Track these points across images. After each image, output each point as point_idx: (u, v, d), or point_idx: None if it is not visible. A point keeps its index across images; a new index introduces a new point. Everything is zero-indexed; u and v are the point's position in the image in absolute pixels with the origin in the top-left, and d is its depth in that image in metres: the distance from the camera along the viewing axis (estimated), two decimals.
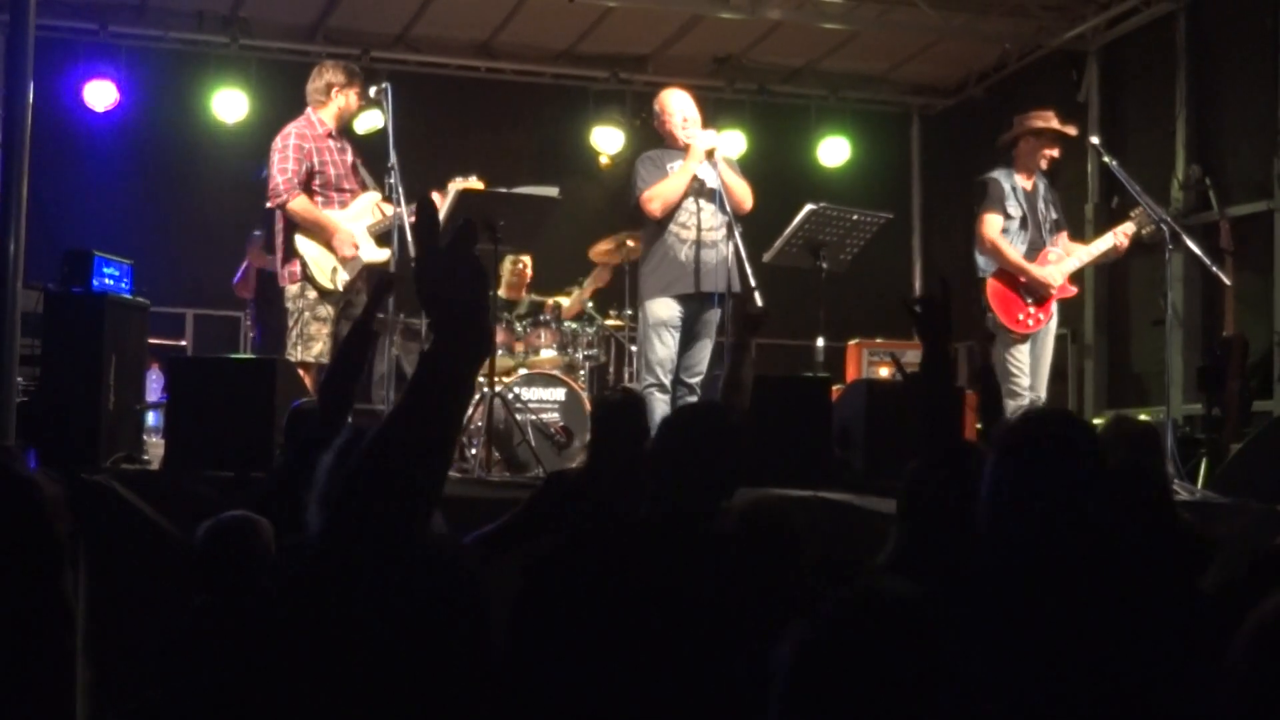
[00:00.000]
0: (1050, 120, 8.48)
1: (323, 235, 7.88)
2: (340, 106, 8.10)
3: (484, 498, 5.87)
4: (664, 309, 7.86)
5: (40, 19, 6.38)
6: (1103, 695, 2.66)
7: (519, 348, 9.09)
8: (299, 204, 7.84)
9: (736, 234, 7.72)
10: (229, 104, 11.39)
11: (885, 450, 6.71)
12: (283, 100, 11.22)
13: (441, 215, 7.54)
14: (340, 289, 7.91)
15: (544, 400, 8.66)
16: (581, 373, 9.18)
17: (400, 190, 7.65)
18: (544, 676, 3.20)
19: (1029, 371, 8.25)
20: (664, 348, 7.83)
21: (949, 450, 3.44)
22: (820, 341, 8.20)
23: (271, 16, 11.63)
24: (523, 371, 8.87)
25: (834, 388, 7.69)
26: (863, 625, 1.75)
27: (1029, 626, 2.83)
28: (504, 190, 7.93)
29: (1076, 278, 8.46)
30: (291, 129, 7.96)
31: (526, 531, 4.74)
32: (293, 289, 7.90)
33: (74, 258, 6.78)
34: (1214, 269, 8.43)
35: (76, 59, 11.20)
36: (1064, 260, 8.33)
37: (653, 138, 8.39)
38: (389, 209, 7.86)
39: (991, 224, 8.25)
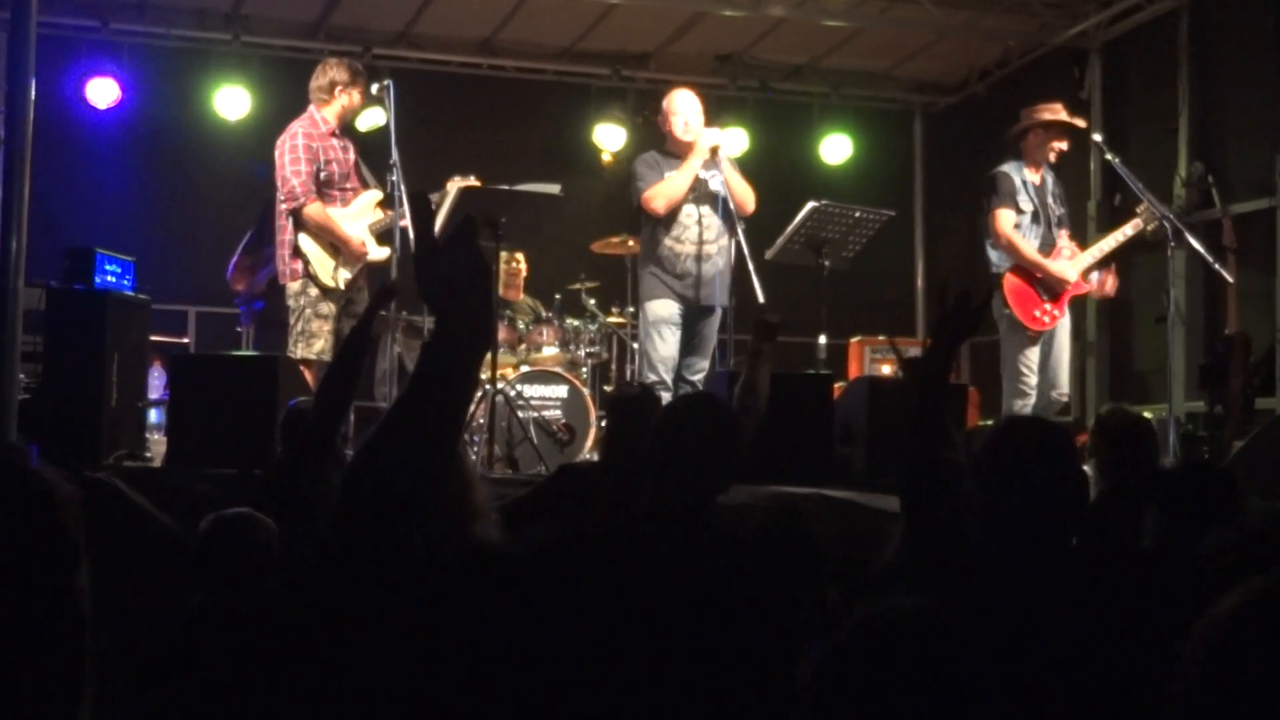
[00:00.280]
0: (1059, 113, 8.45)
1: (331, 240, 7.89)
2: (344, 105, 8.10)
3: None
4: (664, 308, 7.88)
5: (42, 16, 6.39)
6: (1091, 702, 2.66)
7: (520, 345, 9.10)
8: (315, 210, 7.85)
9: (740, 234, 7.73)
10: (231, 101, 11.39)
11: (887, 447, 6.71)
12: (284, 97, 11.21)
13: (442, 213, 7.58)
14: (342, 287, 7.92)
15: (546, 398, 8.66)
16: (583, 370, 9.19)
17: (402, 188, 7.66)
18: (544, 673, 3.19)
19: (1038, 370, 8.23)
20: (665, 345, 7.85)
21: (935, 451, 3.43)
22: (822, 339, 8.21)
23: (273, 13, 11.62)
24: (525, 368, 8.87)
25: (836, 385, 7.69)
26: (880, 644, 1.75)
27: (1018, 636, 2.83)
28: (506, 188, 7.93)
29: (1087, 274, 8.42)
30: (298, 129, 7.96)
31: (527, 517, 4.72)
32: (294, 286, 7.91)
33: (76, 255, 6.78)
34: (1216, 266, 8.42)
35: (78, 56, 11.20)
36: (1077, 256, 8.30)
37: (655, 135, 8.40)
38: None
39: (1005, 219, 8.19)
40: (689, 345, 7.99)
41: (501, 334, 8.83)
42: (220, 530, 4.33)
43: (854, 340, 11.34)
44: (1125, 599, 2.91)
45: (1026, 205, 8.24)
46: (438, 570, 2.60)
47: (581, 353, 9.20)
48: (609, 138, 12.20)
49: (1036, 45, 12.07)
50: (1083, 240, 9.01)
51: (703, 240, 7.90)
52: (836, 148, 12.88)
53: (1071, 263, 8.26)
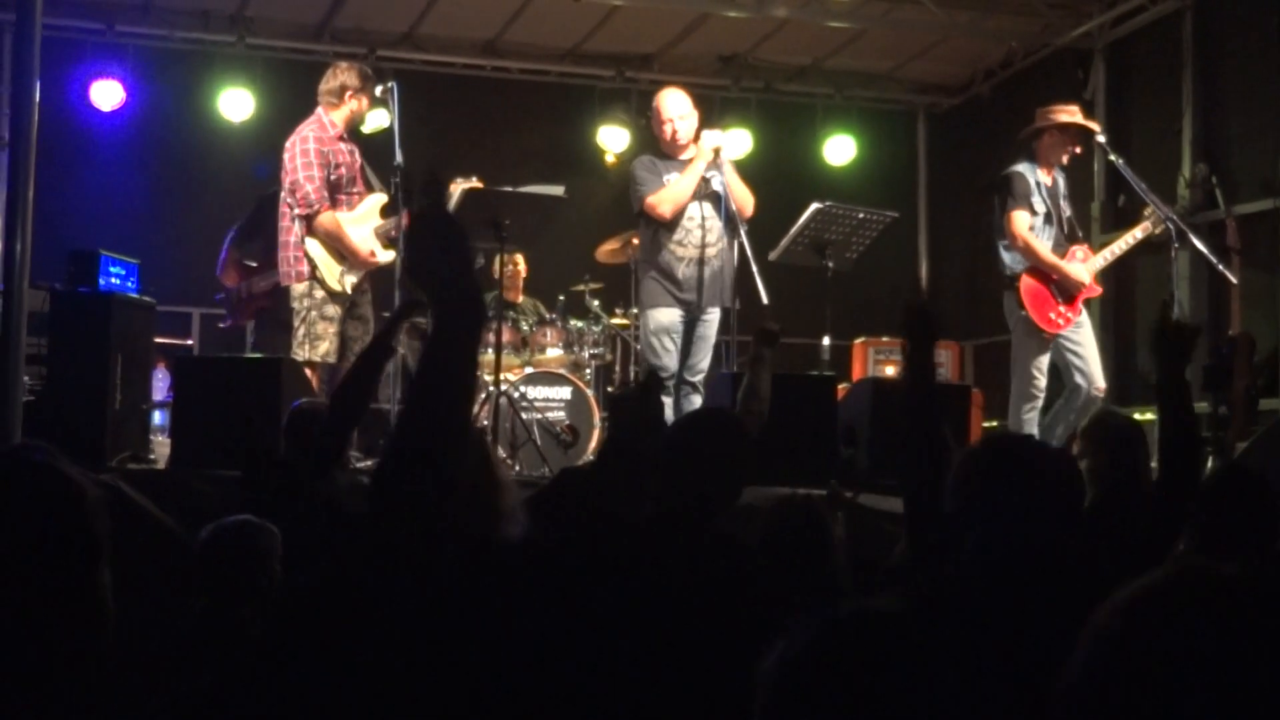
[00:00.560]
0: (1075, 114, 8.41)
1: (339, 249, 7.90)
2: (352, 110, 8.10)
3: None
4: (666, 315, 7.89)
5: (46, 18, 6.39)
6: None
7: (524, 346, 9.10)
8: (327, 219, 7.86)
9: (743, 235, 7.73)
10: (235, 103, 11.40)
11: (891, 448, 6.71)
12: (289, 99, 11.24)
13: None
14: (349, 291, 7.93)
15: (549, 399, 8.67)
16: (587, 371, 9.19)
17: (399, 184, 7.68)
18: (552, 676, 3.19)
19: (1047, 373, 8.21)
20: (666, 354, 7.86)
21: (933, 452, 3.45)
22: (826, 340, 8.21)
23: (277, 15, 11.63)
24: (528, 370, 8.87)
25: (840, 386, 7.69)
26: (845, 642, 1.75)
27: (992, 644, 2.83)
28: (510, 189, 7.94)
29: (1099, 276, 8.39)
30: (308, 133, 7.95)
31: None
32: (300, 288, 7.89)
33: (80, 257, 6.80)
34: (1220, 267, 8.40)
35: (83, 58, 11.21)
36: (1090, 258, 8.28)
37: (654, 137, 8.38)
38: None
39: (1020, 221, 8.12)
40: (689, 348, 7.99)
41: (505, 335, 8.83)
42: (221, 539, 4.33)
43: (858, 341, 11.36)
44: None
45: (1040, 207, 8.19)
46: (460, 570, 2.62)
47: (585, 354, 9.20)
48: (613, 139, 12.20)
49: (1040, 46, 12.07)
50: (1086, 241, 8.99)
51: (705, 243, 7.91)
52: (840, 149, 12.88)
53: (1085, 265, 8.22)
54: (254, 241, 9.25)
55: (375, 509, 2.60)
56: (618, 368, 9.69)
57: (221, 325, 9.45)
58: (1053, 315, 8.16)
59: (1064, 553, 2.98)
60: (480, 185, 7.95)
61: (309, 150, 7.89)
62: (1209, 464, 8.70)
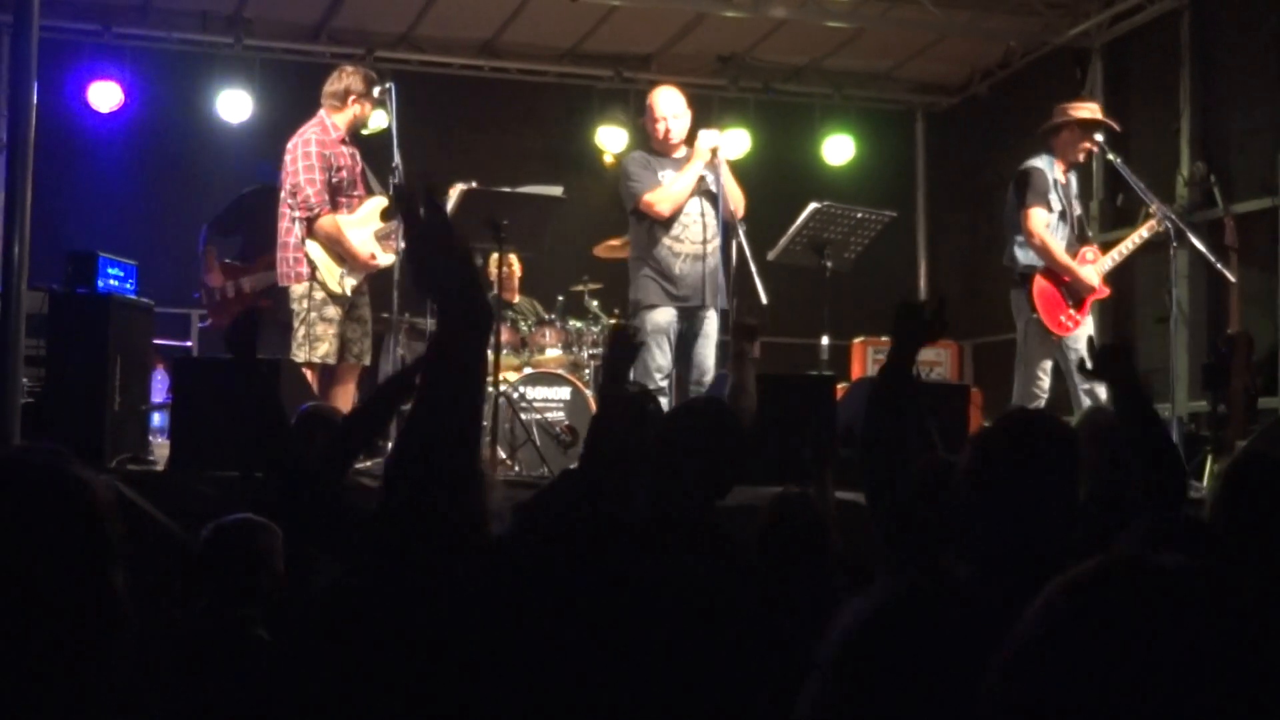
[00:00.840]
0: (1096, 111, 8.38)
1: (339, 252, 7.91)
2: (355, 115, 8.10)
3: None
4: (662, 315, 7.89)
5: (44, 20, 6.39)
6: None
7: (523, 347, 9.10)
8: (328, 222, 7.88)
9: (741, 235, 7.73)
10: (233, 104, 11.39)
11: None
12: (287, 100, 11.23)
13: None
14: (349, 293, 7.94)
15: (549, 399, 8.67)
16: (586, 371, 9.19)
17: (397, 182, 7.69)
18: (547, 675, 3.20)
19: (1050, 374, 8.19)
20: (661, 355, 7.86)
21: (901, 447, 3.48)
22: (825, 340, 8.21)
23: (275, 16, 11.62)
24: (527, 370, 8.88)
25: (839, 386, 7.69)
26: (926, 605, 1.74)
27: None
28: (508, 190, 7.94)
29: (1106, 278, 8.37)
30: (311, 135, 7.96)
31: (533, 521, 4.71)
32: (299, 289, 7.90)
33: (79, 259, 6.80)
34: (1219, 266, 8.41)
35: (81, 60, 11.21)
36: (1100, 260, 8.25)
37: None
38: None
39: (1038, 219, 8.05)
40: (690, 351, 7.98)
41: (504, 336, 8.83)
42: (222, 538, 4.33)
43: (856, 341, 11.36)
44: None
45: (1056, 204, 8.13)
46: (455, 570, 2.62)
47: (584, 354, 9.20)
48: (611, 139, 12.20)
49: (1038, 45, 12.07)
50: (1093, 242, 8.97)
51: (704, 240, 7.90)
52: (838, 149, 12.88)
53: (1095, 267, 8.19)
54: (230, 237, 9.26)
55: (385, 509, 2.61)
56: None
57: (201, 325, 9.45)
58: (1062, 318, 8.13)
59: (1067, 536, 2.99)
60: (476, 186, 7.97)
61: (310, 153, 7.90)
62: (1209, 464, 8.71)
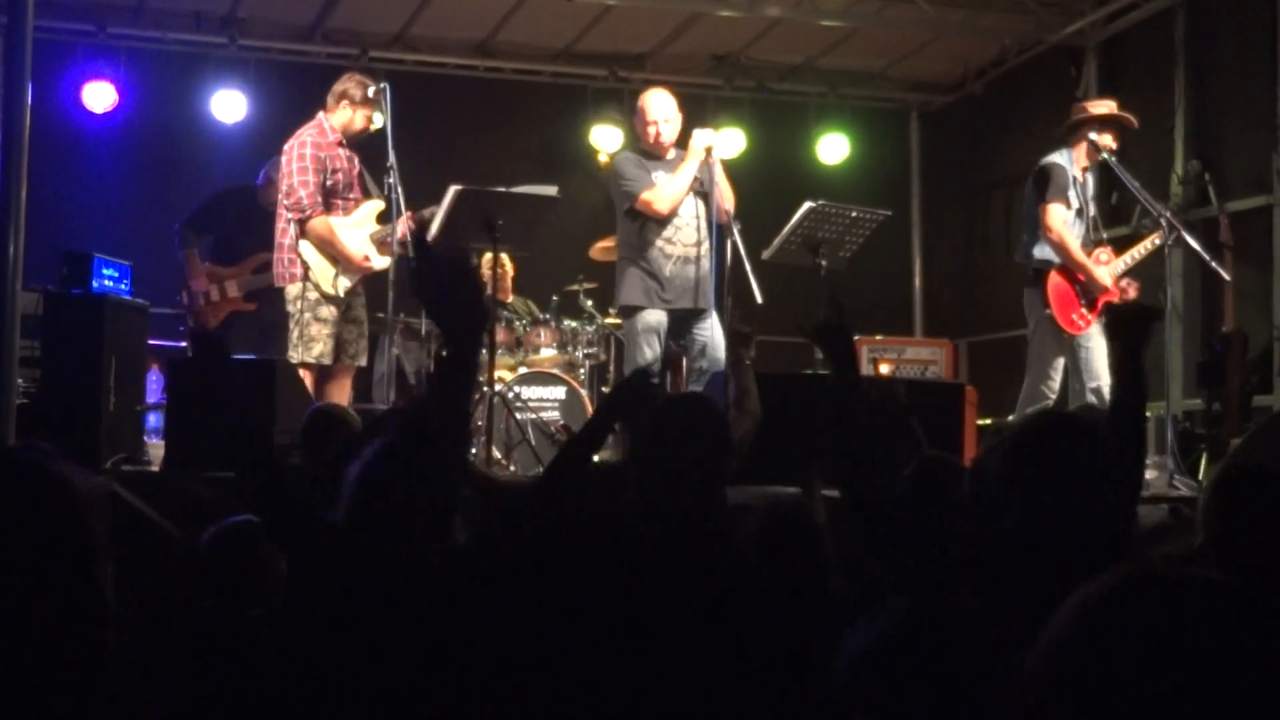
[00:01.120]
0: (1113, 107, 8.36)
1: (332, 254, 7.92)
2: (345, 120, 8.09)
3: None
4: (653, 316, 7.87)
5: (39, 20, 6.38)
6: None
7: (518, 347, 9.10)
8: (320, 223, 7.89)
9: (736, 234, 7.73)
10: (227, 104, 11.38)
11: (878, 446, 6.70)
12: (281, 101, 11.23)
13: (440, 214, 7.59)
14: (341, 294, 7.94)
15: (544, 399, 8.67)
16: (581, 371, 9.19)
17: (399, 190, 7.69)
18: (533, 677, 3.20)
19: (1062, 373, 8.18)
20: (651, 352, 7.85)
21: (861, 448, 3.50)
22: None
23: (270, 17, 11.62)
24: (522, 370, 8.87)
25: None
26: (931, 635, 1.76)
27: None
28: (503, 190, 7.94)
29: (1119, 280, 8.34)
30: (306, 137, 7.98)
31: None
32: (293, 289, 7.92)
33: (73, 259, 6.79)
34: (1213, 264, 8.40)
35: (75, 60, 11.20)
36: (1113, 261, 8.23)
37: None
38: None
39: (1058, 215, 8.02)
40: (690, 350, 7.97)
41: (499, 335, 8.83)
42: (225, 539, 4.33)
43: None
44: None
45: (1074, 201, 8.13)
46: (428, 570, 2.63)
47: (579, 354, 9.20)
48: (606, 139, 12.19)
49: (1033, 43, 12.08)
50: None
51: (697, 242, 7.89)
52: (833, 147, 12.88)
53: (1108, 267, 8.18)
54: (200, 235, 9.26)
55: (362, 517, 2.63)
56: (612, 367, 9.68)
57: (181, 329, 9.44)
58: (1074, 316, 8.11)
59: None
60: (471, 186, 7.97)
61: (305, 155, 7.92)
62: (1204, 462, 8.71)
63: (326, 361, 7.87)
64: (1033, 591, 2.82)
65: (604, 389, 9.48)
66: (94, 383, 6.38)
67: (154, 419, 8.31)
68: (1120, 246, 8.52)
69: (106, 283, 6.84)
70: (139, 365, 7.06)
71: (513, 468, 7.87)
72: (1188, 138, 10.71)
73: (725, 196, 7.85)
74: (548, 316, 9.32)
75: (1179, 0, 10.87)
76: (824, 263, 8.09)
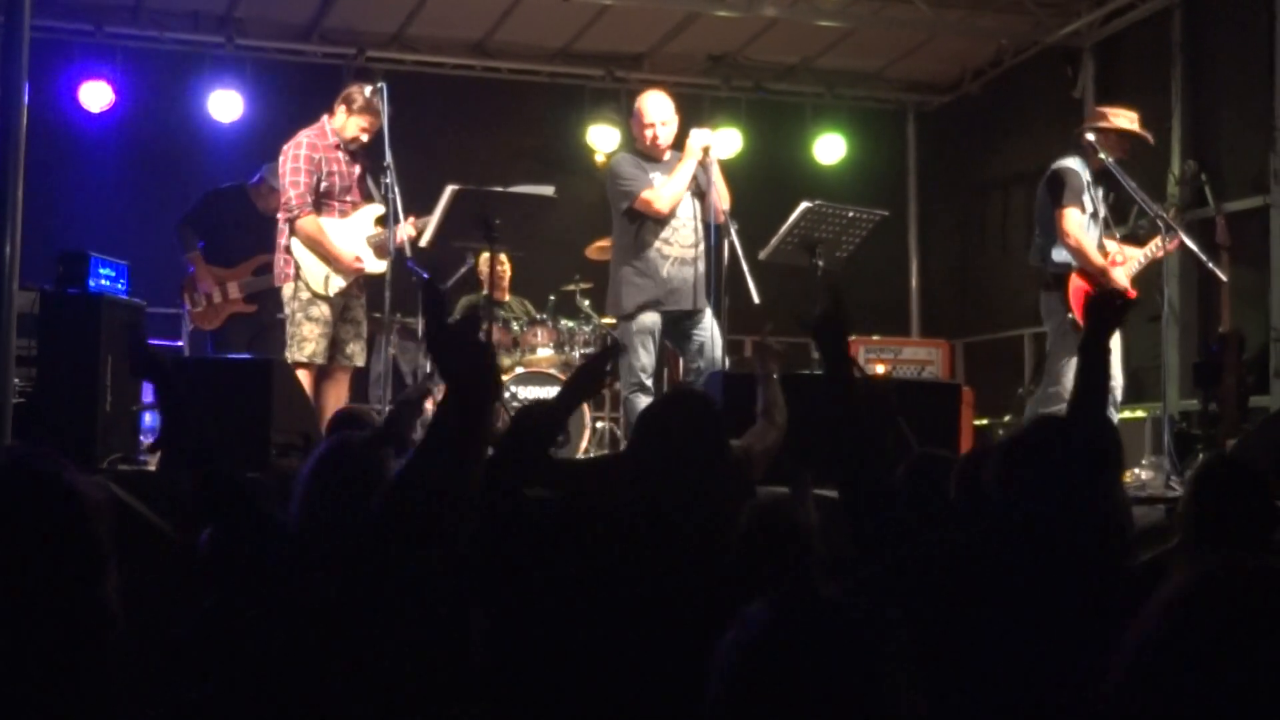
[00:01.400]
0: (1134, 122, 8.33)
1: (321, 254, 7.93)
2: (342, 125, 8.09)
3: None
4: (648, 318, 7.86)
5: (35, 19, 6.37)
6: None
7: (515, 347, 9.10)
8: (308, 223, 7.90)
9: (733, 234, 7.72)
10: (224, 104, 11.39)
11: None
12: (278, 100, 11.25)
13: (437, 214, 7.60)
14: (330, 294, 7.94)
15: (541, 399, 8.66)
16: None
17: (396, 190, 7.70)
18: (521, 679, 3.21)
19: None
20: (647, 354, 7.84)
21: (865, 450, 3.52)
22: None
23: (267, 16, 11.62)
24: (519, 370, 8.87)
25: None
26: (799, 628, 1.76)
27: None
28: (499, 189, 7.93)
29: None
30: (304, 138, 8.01)
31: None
32: (288, 289, 7.97)
33: (70, 258, 6.78)
34: (1210, 265, 8.40)
35: (72, 60, 11.20)
36: (1128, 262, 8.23)
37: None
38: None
39: (1075, 219, 7.98)
40: (688, 349, 7.96)
41: (496, 335, 8.84)
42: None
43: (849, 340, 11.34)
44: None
45: (1089, 205, 8.13)
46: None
47: (576, 354, 9.20)
48: (603, 139, 12.19)
49: (1030, 44, 12.08)
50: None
51: (694, 243, 7.89)
52: (830, 148, 12.89)
53: (1123, 269, 8.18)
54: (195, 234, 9.27)
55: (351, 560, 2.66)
56: (608, 367, 9.67)
57: (188, 330, 9.45)
58: None
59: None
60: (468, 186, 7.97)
61: (299, 155, 7.96)
62: (1198, 460, 8.71)
63: (320, 361, 7.88)
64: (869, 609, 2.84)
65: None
66: (90, 382, 6.37)
67: (150, 418, 8.30)
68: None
69: (103, 282, 6.83)
70: None
71: None
72: (1184, 138, 10.71)
73: (721, 197, 7.84)
74: (544, 316, 9.32)
75: (1176, 1, 10.88)
76: (820, 263, 8.08)
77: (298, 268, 7.92)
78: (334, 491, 3.41)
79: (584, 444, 8.53)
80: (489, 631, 3.23)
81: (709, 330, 7.90)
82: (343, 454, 3.52)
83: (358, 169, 8.17)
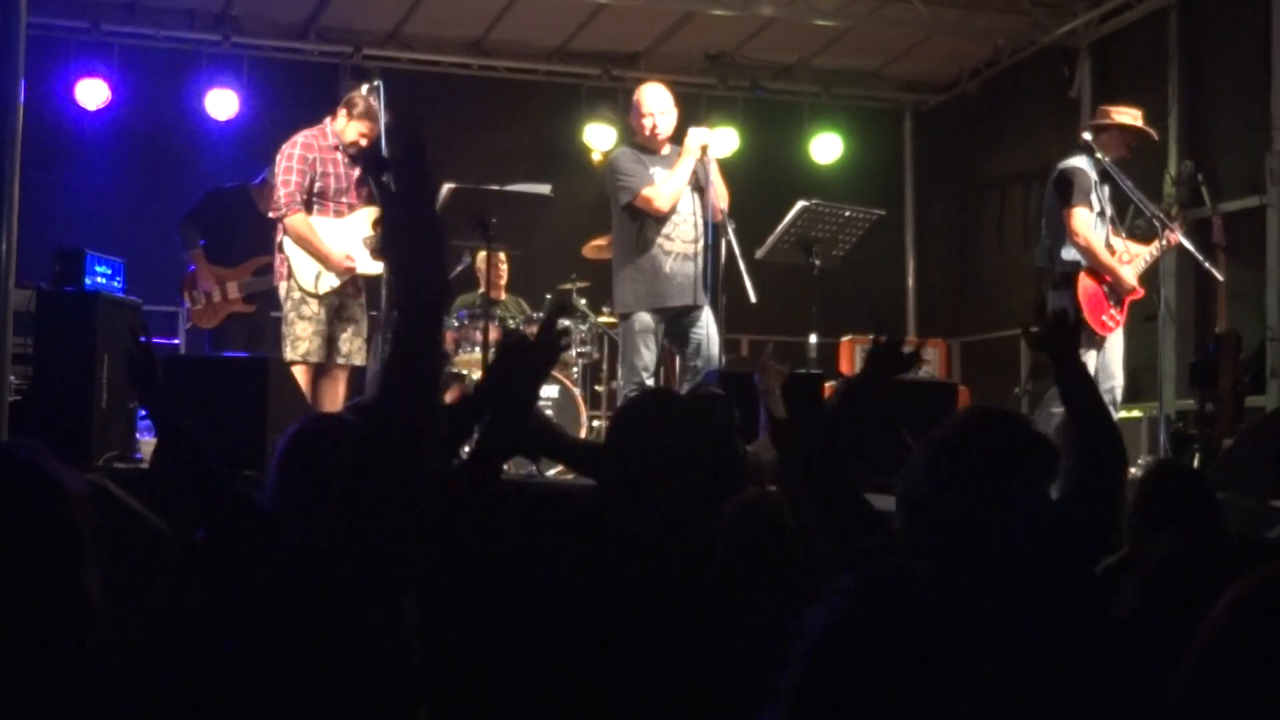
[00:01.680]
0: (1138, 118, 8.34)
1: (310, 252, 7.95)
2: (342, 128, 8.10)
3: None
4: (649, 317, 7.86)
5: (31, 17, 6.37)
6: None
7: None
8: (296, 220, 7.92)
9: (730, 232, 7.72)
10: (221, 102, 11.38)
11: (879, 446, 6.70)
12: (275, 98, 11.25)
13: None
14: (319, 292, 7.94)
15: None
16: (574, 370, 9.18)
17: (392, 187, 7.69)
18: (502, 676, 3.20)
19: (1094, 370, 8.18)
20: (648, 352, 7.83)
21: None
22: (813, 338, 8.19)
23: (263, 14, 11.62)
24: None
25: (827, 384, 7.69)
26: (888, 603, 1.75)
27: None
28: (496, 188, 7.94)
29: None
30: (300, 137, 8.04)
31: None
32: (283, 287, 8.03)
33: (66, 256, 6.78)
34: (1206, 265, 8.41)
35: (68, 57, 11.19)
36: (1135, 260, 8.23)
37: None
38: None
39: (1084, 218, 8.00)
40: (686, 347, 7.96)
41: (492, 334, 8.82)
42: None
43: (845, 339, 11.36)
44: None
45: (1096, 205, 8.14)
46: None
47: (572, 353, 9.19)
48: (599, 137, 12.19)
49: (1026, 44, 12.09)
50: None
51: (695, 239, 7.88)
52: (826, 147, 12.89)
53: (1130, 267, 8.18)
54: (197, 232, 9.27)
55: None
56: (605, 366, 9.68)
57: (185, 328, 9.45)
58: (1104, 318, 8.10)
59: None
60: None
61: (293, 155, 7.98)
62: (1196, 461, 8.72)
63: (314, 359, 7.88)
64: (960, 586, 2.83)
65: (597, 387, 9.49)
66: (86, 380, 6.37)
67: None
68: None
69: (99, 279, 6.83)
70: None
71: (506, 466, 7.85)
72: (1181, 138, 10.71)
73: (720, 195, 7.84)
74: (540, 315, 9.31)
75: (1172, 1, 10.88)
76: (817, 262, 8.08)
77: (290, 266, 7.94)
78: (308, 468, 3.42)
79: None
80: (423, 619, 3.22)
81: (705, 328, 7.90)
82: (315, 430, 3.52)
83: (357, 171, 8.16)
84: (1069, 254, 8.12)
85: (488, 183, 8.08)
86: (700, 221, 7.90)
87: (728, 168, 8.34)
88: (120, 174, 11.46)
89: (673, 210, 7.84)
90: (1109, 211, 8.29)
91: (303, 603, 2.63)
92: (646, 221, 7.86)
